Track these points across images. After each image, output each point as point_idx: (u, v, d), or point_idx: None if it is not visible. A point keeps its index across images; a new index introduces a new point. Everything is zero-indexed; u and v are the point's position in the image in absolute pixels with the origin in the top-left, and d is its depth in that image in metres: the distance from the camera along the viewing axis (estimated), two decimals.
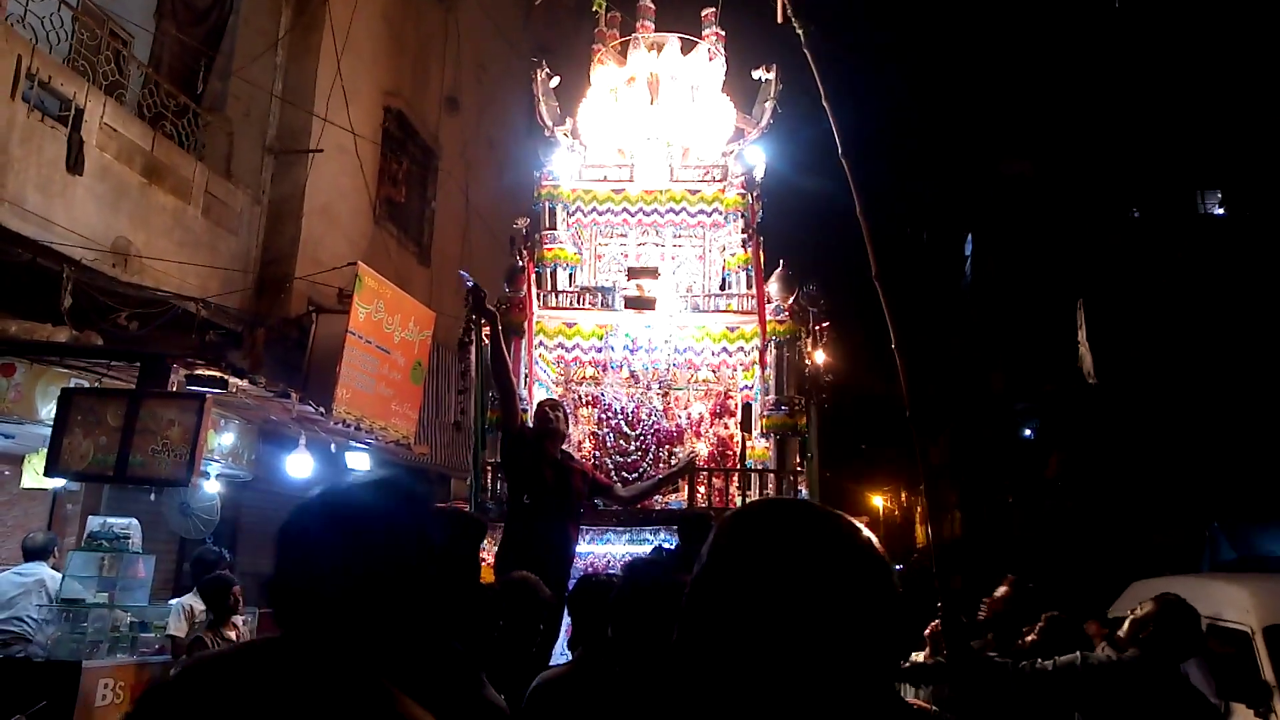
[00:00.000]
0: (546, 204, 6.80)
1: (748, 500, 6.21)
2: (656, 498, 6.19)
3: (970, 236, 26.93)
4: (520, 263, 6.35)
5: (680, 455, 6.39)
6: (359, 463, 10.15)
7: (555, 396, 6.61)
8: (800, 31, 5.33)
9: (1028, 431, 23.35)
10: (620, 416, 6.56)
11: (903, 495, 32.15)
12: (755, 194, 6.67)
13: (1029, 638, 5.03)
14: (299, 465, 8.86)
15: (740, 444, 6.75)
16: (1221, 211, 18.61)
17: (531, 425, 5.49)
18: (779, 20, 6.01)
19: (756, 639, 0.99)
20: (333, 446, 9.44)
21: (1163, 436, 15.43)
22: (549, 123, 7.09)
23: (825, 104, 5.08)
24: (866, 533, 1.10)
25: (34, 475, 7.91)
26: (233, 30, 10.04)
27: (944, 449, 23.50)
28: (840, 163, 4.68)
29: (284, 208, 10.07)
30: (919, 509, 31.19)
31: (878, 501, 31.93)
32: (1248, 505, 13.20)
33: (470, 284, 5.28)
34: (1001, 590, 5.30)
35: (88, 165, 7.67)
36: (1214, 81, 17.42)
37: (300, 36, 10.42)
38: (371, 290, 9.05)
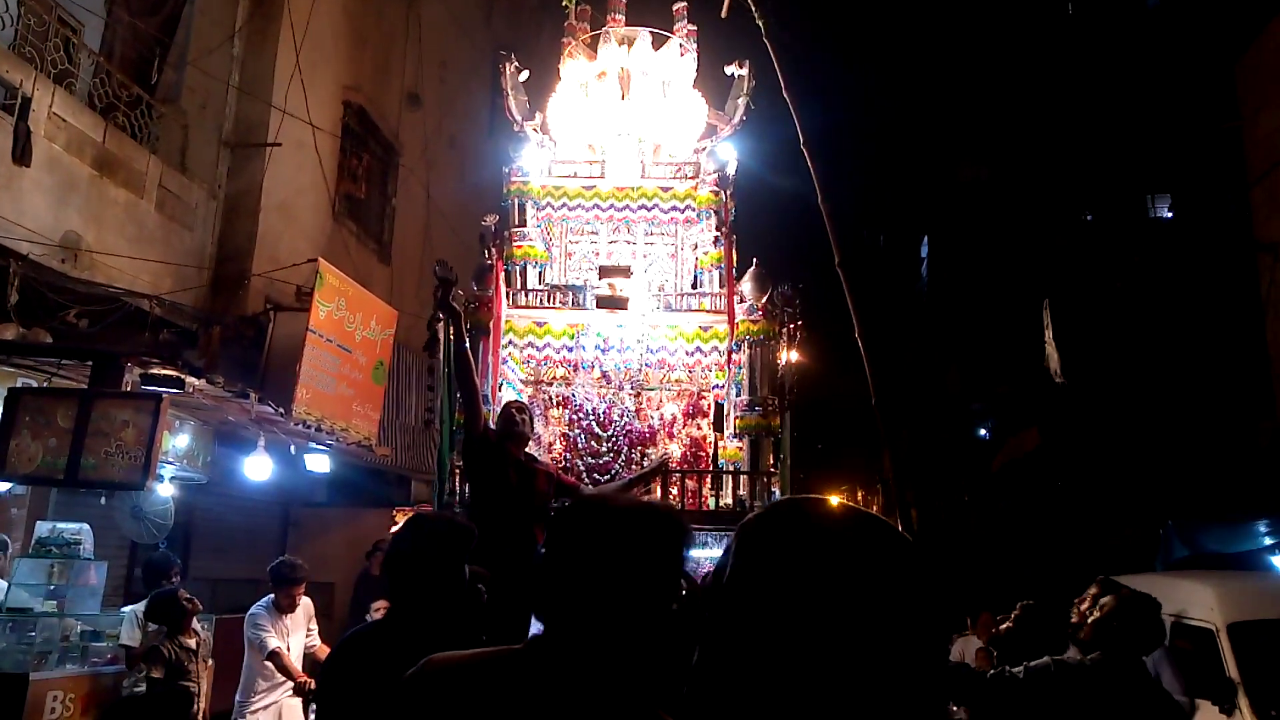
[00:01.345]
0: (515, 200, 6.67)
1: (720, 502, 6.15)
2: None
3: (926, 239, 27.28)
4: (489, 260, 6.22)
5: (652, 456, 6.31)
6: (319, 464, 9.92)
7: (524, 397, 6.50)
8: (760, 23, 5.30)
9: (982, 431, 23.70)
10: (592, 417, 6.46)
11: (858, 494, 32.43)
12: (728, 191, 6.60)
13: (1003, 626, 5.00)
14: (257, 467, 8.63)
15: (713, 444, 6.70)
16: (1169, 215, 19.01)
17: (495, 427, 5.36)
18: (723, 15, 6.00)
19: (806, 649, 0.93)
20: (292, 448, 9.21)
21: (1118, 437, 15.69)
22: (518, 117, 6.97)
23: (786, 94, 5.05)
24: (901, 532, 1.04)
25: None
26: (188, 19, 9.76)
27: (902, 448, 23.70)
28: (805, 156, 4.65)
29: (241, 203, 9.80)
30: (874, 507, 31.50)
31: (834, 501, 32.16)
32: (1198, 505, 13.46)
33: (442, 276, 5.14)
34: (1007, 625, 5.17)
35: (35, 156, 7.38)
36: (1159, 90, 17.81)
37: (258, 27, 10.16)
38: (332, 288, 8.83)
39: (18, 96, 7.30)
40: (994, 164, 22.58)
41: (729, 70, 7.05)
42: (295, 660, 6.48)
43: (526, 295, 6.52)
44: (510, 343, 6.42)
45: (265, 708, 6.43)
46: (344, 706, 2.45)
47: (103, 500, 7.90)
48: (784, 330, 6.10)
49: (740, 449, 6.31)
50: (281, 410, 8.05)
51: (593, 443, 6.40)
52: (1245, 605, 6.80)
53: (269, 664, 6.33)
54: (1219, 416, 15.02)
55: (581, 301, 6.41)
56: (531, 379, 6.62)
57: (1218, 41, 14.44)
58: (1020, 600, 5.13)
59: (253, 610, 6.50)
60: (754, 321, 6.27)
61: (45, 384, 7.07)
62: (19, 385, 6.92)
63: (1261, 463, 13.59)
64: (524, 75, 7.15)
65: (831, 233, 4.61)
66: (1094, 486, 15.32)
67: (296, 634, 6.57)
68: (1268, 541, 10.84)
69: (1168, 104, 17.58)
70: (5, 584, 6.66)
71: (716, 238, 6.60)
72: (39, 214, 7.51)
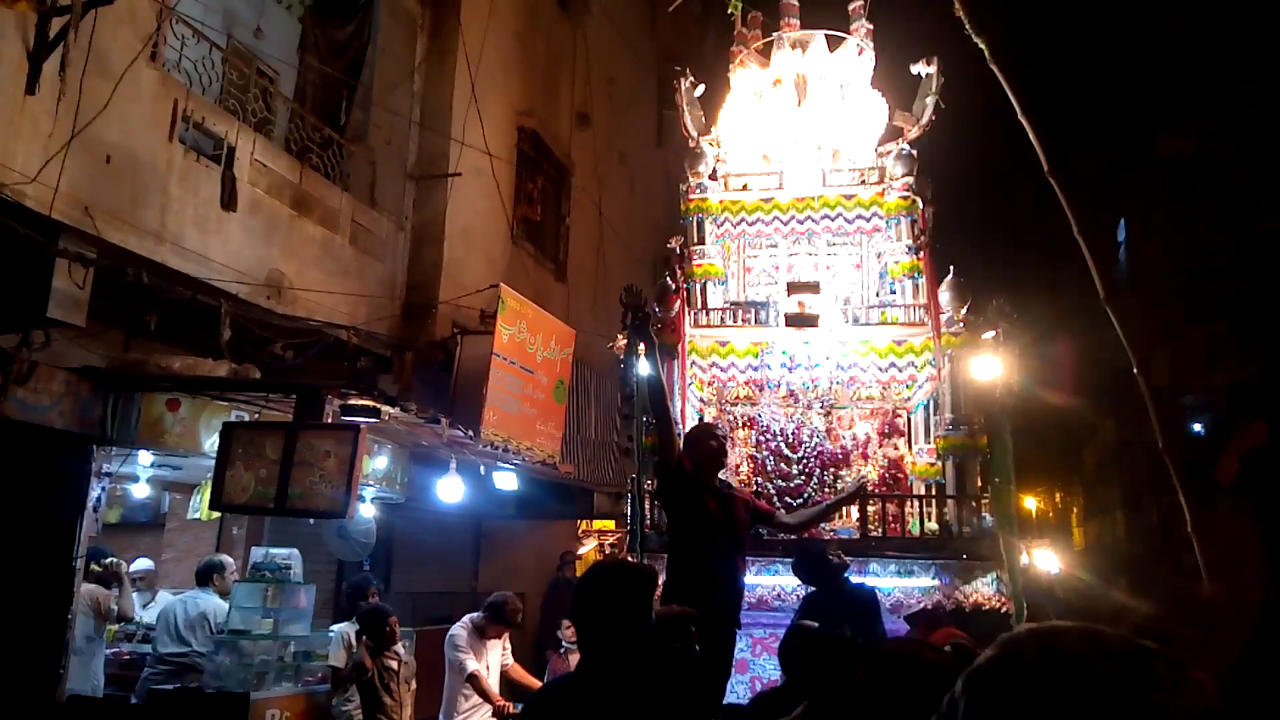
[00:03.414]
0: (695, 218, 6.51)
1: (925, 527, 5.76)
2: (824, 524, 5.81)
3: (1121, 222, 25.31)
4: (672, 282, 6.08)
5: (846, 478, 5.99)
6: (507, 482, 10.14)
7: (709, 419, 6.32)
8: (983, 47, 4.87)
9: (1197, 427, 21.68)
10: (780, 438, 6.20)
11: (1056, 495, 30.50)
12: (923, 195, 6.19)
13: None
14: (450, 488, 8.87)
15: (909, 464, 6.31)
16: None
17: (686, 451, 5.16)
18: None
19: None
20: (481, 468, 9.43)
21: None
22: (693, 133, 6.81)
23: (1024, 119, 4.57)
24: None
25: (201, 507, 8.18)
26: (371, 61, 10.20)
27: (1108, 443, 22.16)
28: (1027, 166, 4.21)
29: (426, 232, 10.15)
30: (1074, 510, 29.53)
31: (1029, 504, 30.34)
32: None
33: (632, 304, 5.01)
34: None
35: (240, 201, 7.85)
36: None
37: (435, 62, 10.50)
38: (514, 311, 8.98)
39: (224, 146, 7.79)
40: (1200, 136, 20.63)
41: (915, 69, 6.61)
42: (493, 679, 6.58)
43: (708, 314, 6.34)
44: (693, 363, 6.26)
45: None
46: None
47: (311, 522, 8.32)
48: (989, 343, 5.63)
49: (933, 465, 5.89)
50: (470, 433, 8.23)
51: (782, 465, 6.14)
52: None
53: (469, 685, 6.45)
54: None
55: (765, 319, 6.16)
56: (715, 400, 6.44)
57: None
58: None
59: (453, 631, 6.64)
60: (955, 334, 5.84)
61: (255, 417, 7.50)
62: (232, 419, 7.36)
63: None
64: (699, 90, 6.99)
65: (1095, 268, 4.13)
66: None
67: (493, 652, 6.69)
68: None
69: None
70: (227, 604, 7.11)
71: (913, 246, 6.19)
72: (245, 255, 7.98)
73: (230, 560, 7.85)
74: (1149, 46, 20.96)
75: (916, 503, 5.77)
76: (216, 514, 8.12)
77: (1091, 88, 22.83)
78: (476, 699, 6.51)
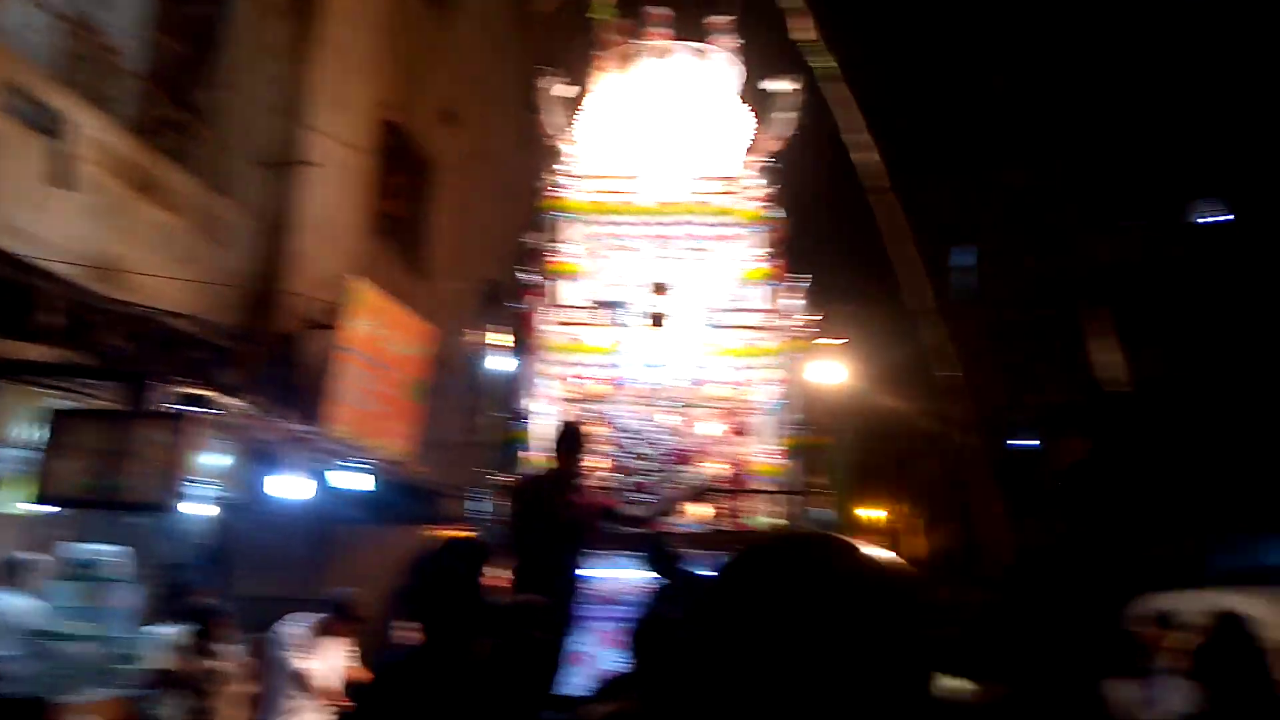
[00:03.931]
0: (553, 215, 6.54)
1: (765, 522, 5.95)
2: (670, 518, 5.91)
3: (964, 248, 26.84)
4: (528, 278, 6.08)
5: (695, 475, 6.12)
6: (356, 482, 9.84)
7: (565, 417, 6.34)
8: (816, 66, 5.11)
9: (1025, 442, 23.19)
10: (634, 436, 6.28)
11: (899, 508, 31.94)
12: (776, 205, 6.42)
13: None
14: (291, 486, 8.54)
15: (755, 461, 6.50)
16: (1225, 218, 18.51)
17: (562, 450, 5.11)
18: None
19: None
20: (328, 467, 9.13)
21: (1167, 446, 15.24)
22: (555, 132, 6.84)
23: (855, 138, 4.80)
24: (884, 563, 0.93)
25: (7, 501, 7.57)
26: (226, 42, 9.77)
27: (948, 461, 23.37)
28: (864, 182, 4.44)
29: (277, 222, 9.76)
30: (915, 521, 30.99)
31: (876, 514, 31.64)
32: (1250, 516, 13.02)
33: (492, 295, 5.02)
34: None
35: (75, 179, 7.37)
36: (1212, 92, 17.40)
37: (295, 48, 10.13)
38: (367, 305, 8.75)
39: (59, 120, 7.30)
40: (1035, 168, 22.19)
41: (770, 86, 6.85)
42: (330, 681, 6.33)
43: (565, 311, 6.37)
44: (549, 360, 6.27)
45: None
46: None
47: (139, 521, 7.85)
48: (834, 347, 5.89)
49: (779, 464, 6.10)
50: (316, 429, 7.96)
51: (635, 461, 6.22)
52: None
53: (293, 684, 6.18)
54: (1276, 423, 14.55)
55: (623, 318, 6.25)
56: (570, 396, 6.46)
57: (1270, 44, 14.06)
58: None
59: (279, 629, 6.37)
60: (803, 338, 6.08)
61: (81, 405, 7.03)
62: (54, 406, 6.88)
63: None
64: (562, 90, 7.03)
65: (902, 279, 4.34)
66: (1142, 496, 14.90)
67: (333, 653, 6.42)
68: None
69: (1224, 107, 17.18)
70: (30, 603, 6.58)
71: (765, 253, 6.41)
72: (77, 236, 7.49)
73: (38, 557, 7.30)
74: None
75: (761, 497, 5.95)
76: (25, 507, 7.53)
77: (937, 116, 24.19)
78: (303, 699, 6.25)
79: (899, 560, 0.93)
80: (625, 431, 6.28)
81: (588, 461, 6.23)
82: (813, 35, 4.56)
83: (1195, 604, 6.51)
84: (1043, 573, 1.91)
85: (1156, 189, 19.50)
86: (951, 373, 4.17)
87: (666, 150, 6.64)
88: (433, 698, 2.34)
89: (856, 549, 0.95)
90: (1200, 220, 19.66)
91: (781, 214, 6.41)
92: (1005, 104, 22.26)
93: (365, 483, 9.85)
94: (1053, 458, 19.94)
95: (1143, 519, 15.42)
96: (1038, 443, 21.55)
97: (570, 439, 5.01)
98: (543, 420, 6.29)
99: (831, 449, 5.97)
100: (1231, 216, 18.72)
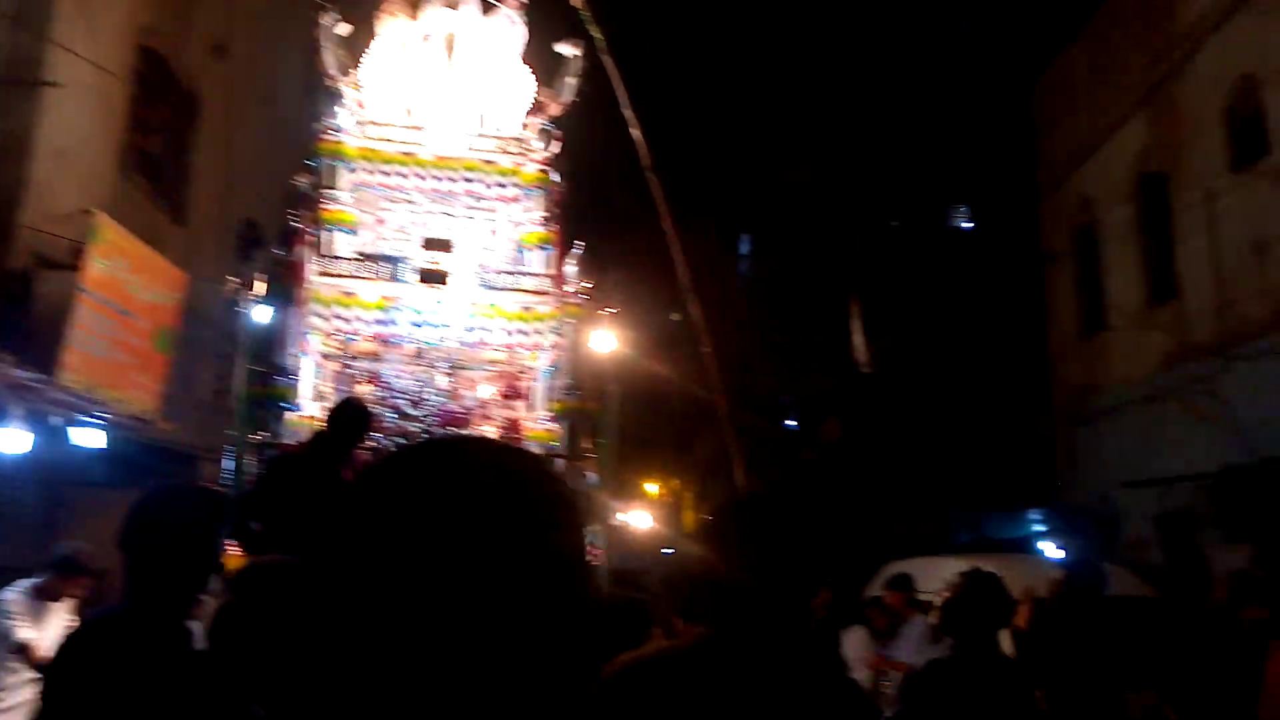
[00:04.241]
0: (328, 161, 6.23)
1: None
2: None
3: (748, 238, 28.11)
4: (296, 223, 5.77)
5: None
6: (91, 439, 8.99)
7: (328, 372, 6.08)
8: (595, 36, 5.16)
9: (793, 422, 24.68)
10: (402, 396, 6.13)
11: (674, 483, 33.06)
12: (558, 170, 6.42)
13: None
14: (13, 440, 7.68)
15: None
16: (970, 224, 20.41)
17: (338, 426, 4.70)
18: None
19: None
20: (57, 419, 8.28)
21: (914, 428, 16.68)
22: (333, 73, 6.50)
23: (626, 113, 4.88)
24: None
25: None
26: None
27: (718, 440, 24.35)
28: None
29: (10, 145, 8.70)
30: (688, 497, 32.24)
31: (651, 488, 32.59)
32: (983, 494, 14.50)
33: (249, 238, 4.67)
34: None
35: None
36: (968, 106, 19.12)
37: None
38: (111, 245, 7.98)
39: None
40: (815, 167, 23.54)
41: (559, 48, 6.85)
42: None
43: (336, 263, 6.09)
44: (315, 313, 5.98)
45: (14, 707, 5.70)
46: (76, 705, 2.10)
47: None
48: (607, 314, 6.00)
49: (550, 430, 6.15)
50: (44, 376, 7.20)
51: (403, 423, 6.07)
52: (1014, 584, 7.28)
53: (17, 657, 5.61)
54: (1006, 412, 16.24)
55: (396, 273, 6.06)
56: (338, 353, 6.21)
57: (1020, 63, 15.58)
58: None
59: (2, 595, 5.73)
60: (578, 304, 6.14)
61: None
62: None
63: (1037, 457, 14.79)
64: (343, 28, 6.68)
65: (679, 261, 4.42)
66: (891, 475, 16.25)
67: (55, 622, 5.85)
68: (1039, 529, 11.78)
69: (975, 120, 18.88)
70: None
71: (545, 217, 6.41)
72: None
73: None
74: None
75: None
76: None
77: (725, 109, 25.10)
78: (28, 673, 5.69)
79: (543, 456, 0.90)
80: (394, 391, 6.11)
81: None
82: (587, 7, 4.59)
83: (930, 569, 7.17)
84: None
85: (920, 195, 21.21)
86: (711, 350, 4.34)
87: (449, 103, 6.47)
88: (127, 662, 2.07)
89: (493, 444, 0.87)
90: (954, 225, 21.61)
91: (559, 179, 6.42)
92: (790, 108, 23.46)
93: (104, 440, 9.03)
94: (812, 438, 21.36)
95: (896, 495, 16.83)
96: (797, 424, 22.99)
97: (352, 419, 4.63)
98: (307, 377, 6.01)
99: (601, 415, 6.08)
100: (973, 224, 20.66)
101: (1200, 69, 10.98)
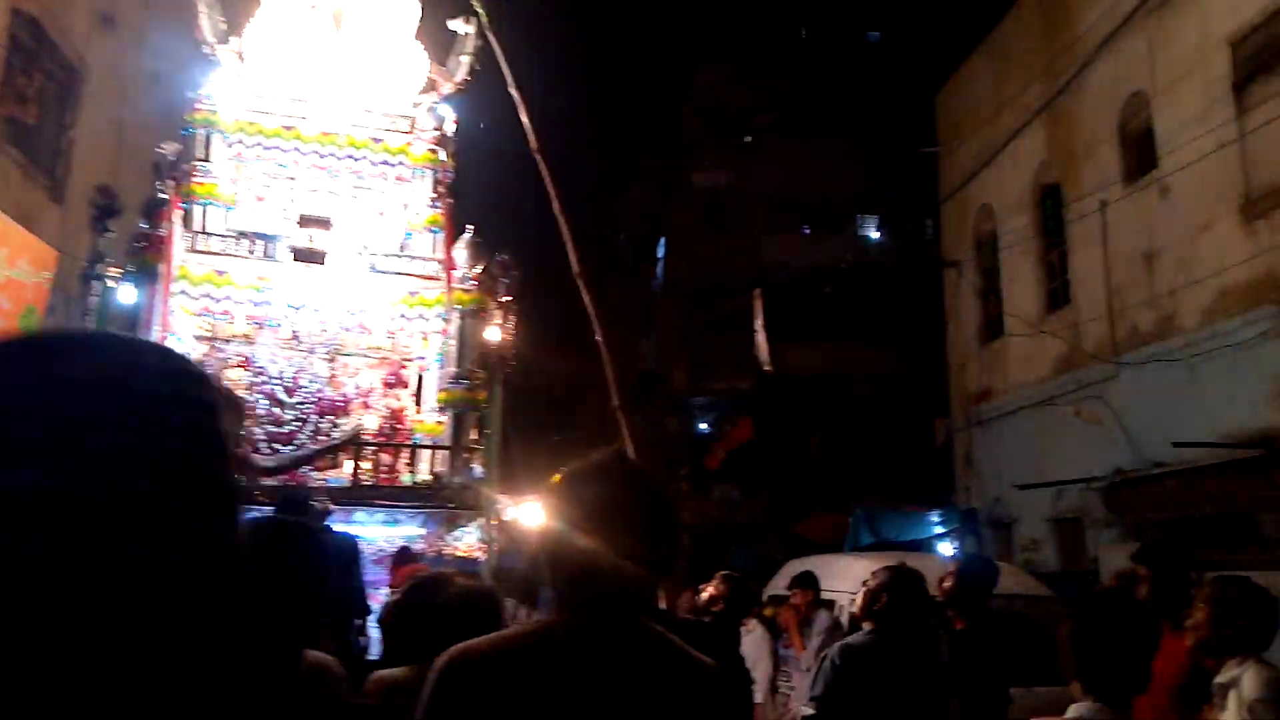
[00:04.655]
0: (202, 131, 5.87)
1: (417, 477, 5.74)
2: (313, 472, 5.53)
3: (664, 240, 28.09)
4: (163, 194, 5.41)
5: (344, 427, 5.78)
6: None
7: (198, 355, 5.72)
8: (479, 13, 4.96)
9: (703, 426, 24.74)
10: (277, 381, 5.81)
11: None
12: (449, 152, 6.18)
13: (708, 594, 4.92)
14: None
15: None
16: (877, 232, 20.73)
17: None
18: None
19: None
20: None
21: (819, 430, 16.81)
22: (210, 39, 6.15)
23: (513, 92, 4.70)
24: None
25: None
26: None
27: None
28: (533, 153, 4.34)
29: None
30: None
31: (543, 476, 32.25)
32: (884, 495, 14.67)
33: (104, 205, 4.31)
34: (714, 589, 5.04)
35: None
36: (876, 117, 19.48)
37: None
38: None
39: None
40: (731, 172, 23.67)
41: (453, 26, 6.59)
42: None
43: (207, 239, 5.74)
44: (183, 291, 5.63)
45: None
46: None
47: None
48: (498, 302, 5.78)
49: (442, 424, 5.92)
50: None
51: (275, 409, 5.76)
52: None
53: None
54: (908, 414, 16.51)
55: (272, 252, 5.74)
56: (207, 335, 5.85)
57: (924, 74, 15.87)
58: (720, 572, 5.11)
59: None
60: (467, 291, 5.91)
61: None
62: None
63: (935, 459, 15.05)
64: None
65: (569, 241, 4.27)
66: (797, 475, 16.34)
67: None
68: (938, 530, 11.94)
69: (883, 131, 19.20)
70: None
71: (433, 199, 6.15)
72: None
73: None
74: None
75: (411, 452, 5.73)
76: None
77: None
78: None
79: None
80: (268, 376, 5.79)
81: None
82: None
83: (831, 568, 7.13)
84: None
85: (830, 200, 21.50)
86: (603, 338, 4.18)
87: (336, 77, 6.18)
88: None
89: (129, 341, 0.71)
90: (863, 234, 21.97)
91: (451, 159, 6.18)
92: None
93: None
94: (722, 438, 21.41)
95: (801, 496, 16.96)
96: (707, 426, 23.06)
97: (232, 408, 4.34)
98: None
99: (488, 406, 5.86)
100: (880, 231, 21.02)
101: (1094, 84, 11.27)
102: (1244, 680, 2.70)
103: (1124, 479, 9.96)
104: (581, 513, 1.38)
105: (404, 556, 4.66)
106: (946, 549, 12.04)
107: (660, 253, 28.35)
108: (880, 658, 3.15)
